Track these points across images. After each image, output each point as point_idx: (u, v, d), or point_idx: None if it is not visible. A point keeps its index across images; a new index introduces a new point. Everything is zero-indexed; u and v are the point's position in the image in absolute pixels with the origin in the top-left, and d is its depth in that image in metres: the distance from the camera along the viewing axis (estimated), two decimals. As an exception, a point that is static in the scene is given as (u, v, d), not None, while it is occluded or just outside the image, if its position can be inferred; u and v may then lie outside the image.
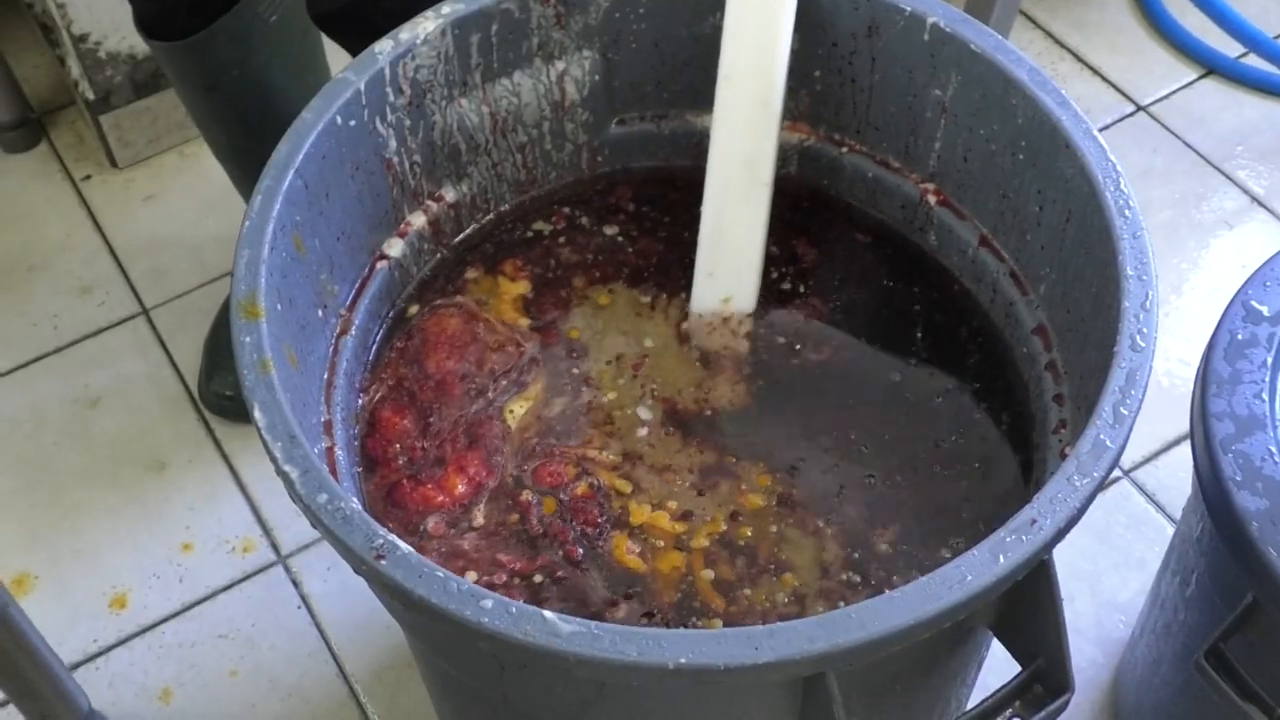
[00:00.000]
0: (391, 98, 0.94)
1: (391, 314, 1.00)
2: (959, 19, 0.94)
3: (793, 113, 1.04)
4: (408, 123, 0.96)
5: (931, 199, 1.01)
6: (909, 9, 0.95)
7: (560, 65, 1.02)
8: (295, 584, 1.38)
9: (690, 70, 1.04)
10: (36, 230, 1.67)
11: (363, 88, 0.92)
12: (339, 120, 0.91)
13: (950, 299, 0.99)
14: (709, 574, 0.86)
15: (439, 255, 1.03)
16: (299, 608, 1.36)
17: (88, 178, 1.72)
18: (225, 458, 1.46)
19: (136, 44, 1.63)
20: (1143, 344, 0.77)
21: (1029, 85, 0.90)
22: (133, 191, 1.70)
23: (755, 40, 0.96)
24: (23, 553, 1.40)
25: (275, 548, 1.40)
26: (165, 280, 1.61)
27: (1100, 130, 1.71)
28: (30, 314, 1.59)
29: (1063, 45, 1.84)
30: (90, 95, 1.66)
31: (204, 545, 1.40)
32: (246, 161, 1.29)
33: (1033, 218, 0.93)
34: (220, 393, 1.47)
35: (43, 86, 1.80)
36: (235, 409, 1.46)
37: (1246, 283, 0.95)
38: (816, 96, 1.03)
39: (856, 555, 0.87)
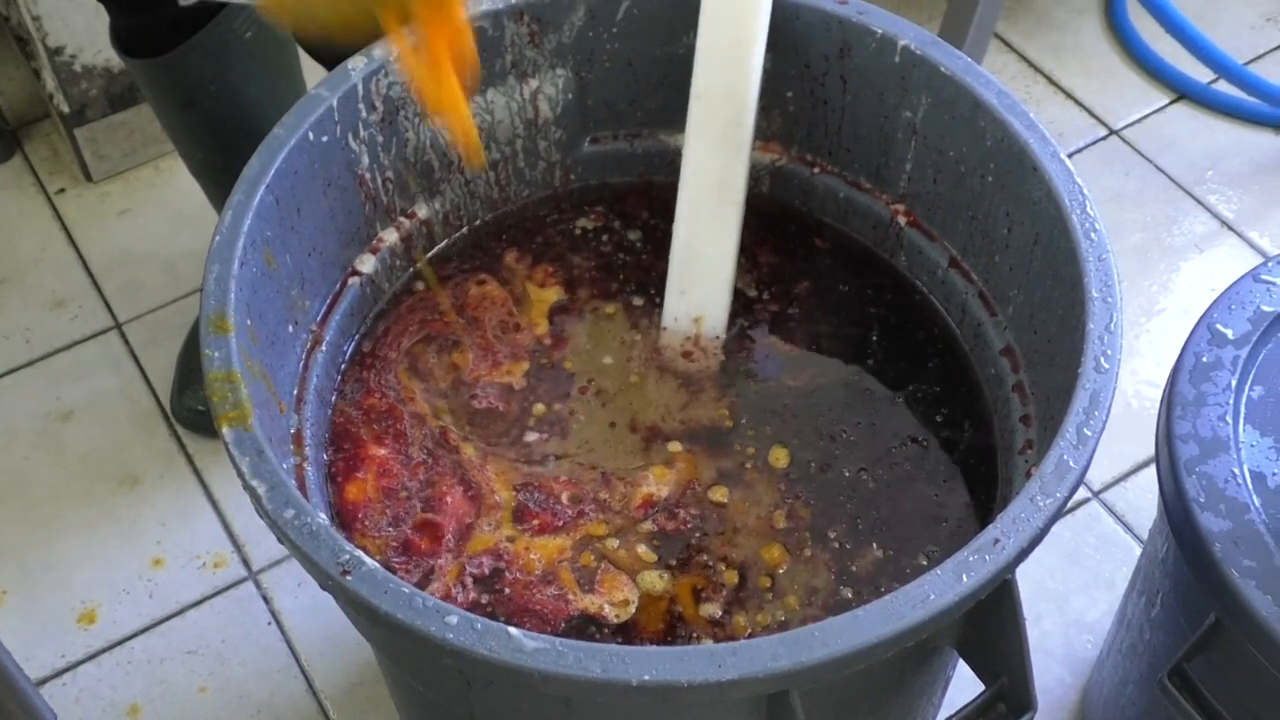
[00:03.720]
0: (364, 114, 0.94)
1: (362, 330, 1.00)
2: (929, 42, 0.94)
3: (765, 133, 1.05)
4: (380, 139, 0.96)
5: (902, 220, 1.01)
6: (880, 31, 0.96)
7: (534, 83, 1.02)
8: (266, 600, 1.37)
9: (663, 89, 1.04)
10: (10, 243, 1.66)
11: (335, 104, 0.92)
12: (311, 136, 0.91)
13: (918, 319, 1.00)
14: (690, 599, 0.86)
15: (410, 271, 1.04)
16: (270, 624, 1.35)
17: (62, 191, 1.72)
18: (197, 473, 1.46)
19: (112, 58, 1.63)
20: (1107, 366, 0.78)
21: (998, 108, 0.91)
22: (107, 205, 1.70)
23: (728, 60, 0.96)
24: (-9, 567, 1.40)
25: (246, 563, 1.39)
26: (139, 294, 1.61)
27: (1073, 153, 1.73)
28: (2, 327, 1.58)
29: (1037, 69, 1.85)
30: (65, 108, 1.65)
31: (175, 561, 1.40)
32: (222, 177, 1.29)
33: (1001, 239, 0.93)
34: (192, 407, 1.47)
35: (17, 99, 1.80)
36: (207, 423, 1.46)
37: (1212, 306, 0.96)
38: (789, 117, 1.04)
39: (843, 566, 0.87)
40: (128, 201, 1.70)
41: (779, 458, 0.92)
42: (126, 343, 1.57)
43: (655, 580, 0.86)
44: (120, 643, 1.34)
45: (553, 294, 1.02)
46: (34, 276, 1.63)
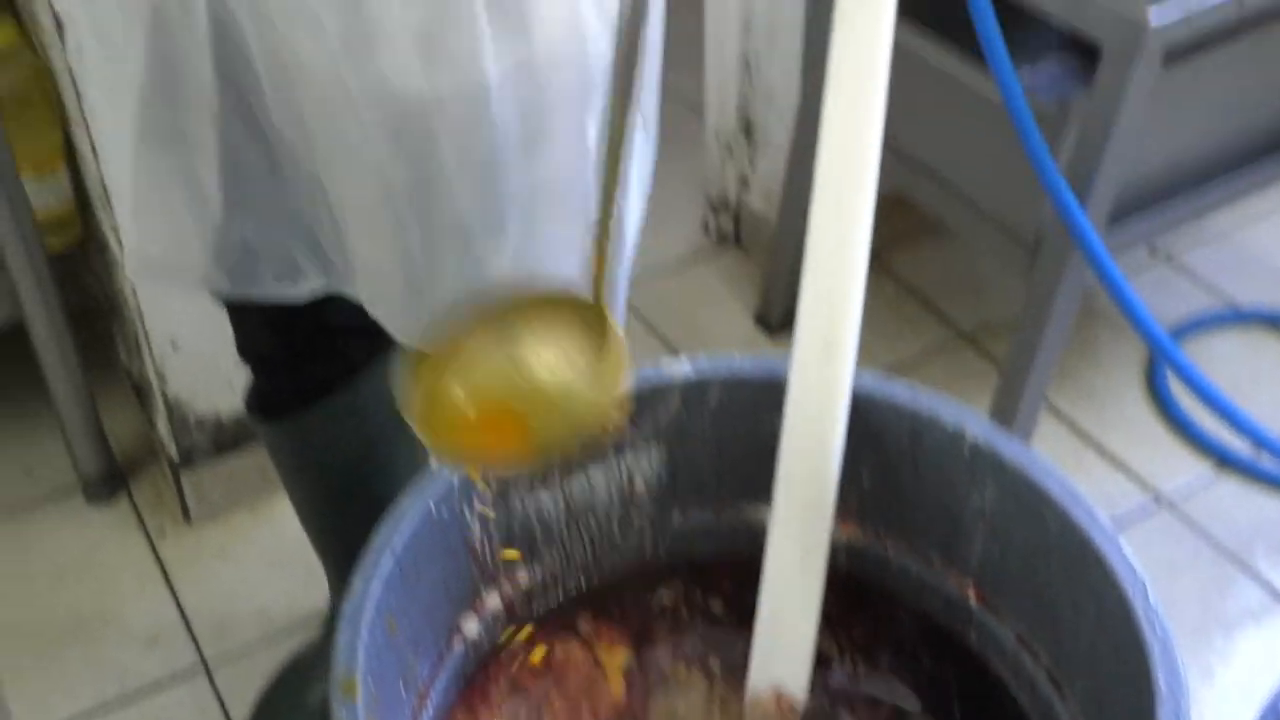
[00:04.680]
0: (480, 490, 1.03)
1: (459, 689, 1.05)
2: (994, 433, 1.02)
3: (841, 511, 1.10)
4: (493, 514, 1.04)
5: (972, 598, 1.07)
6: (949, 424, 1.04)
7: (629, 459, 1.10)
8: None
9: (748, 464, 1.11)
10: (111, 581, 1.73)
11: (456, 481, 1.00)
12: (433, 510, 0.99)
13: (993, 694, 1.04)
14: None
15: (510, 630, 1.09)
16: None
17: (163, 532, 1.80)
18: (273, 819, 1.47)
19: (223, 408, 1.74)
20: (1178, 754, 0.82)
21: (1060, 499, 0.97)
22: (204, 546, 1.77)
23: (811, 446, 1.04)
24: None
25: None
26: (230, 636, 1.65)
27: (1122, 521, 1.79)
28: (97, 664, 1.63)
29: (1086, 437, 1.94)
30: (175, 455, 1.75)
31: None
32: (331, 533, 1.35)
33: (1068, 624, 0.98)
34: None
35: (127, 441, 1.90)
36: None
37: (1275, 697, 0.99)
38: (864, 498, 1.10)
39: None
40: (224, 543, 1.78)
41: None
42: (213, 686, 1.61)
43: None
44: None
45: (622, 657, 1.07)
46: (131, 616, 1.68)
